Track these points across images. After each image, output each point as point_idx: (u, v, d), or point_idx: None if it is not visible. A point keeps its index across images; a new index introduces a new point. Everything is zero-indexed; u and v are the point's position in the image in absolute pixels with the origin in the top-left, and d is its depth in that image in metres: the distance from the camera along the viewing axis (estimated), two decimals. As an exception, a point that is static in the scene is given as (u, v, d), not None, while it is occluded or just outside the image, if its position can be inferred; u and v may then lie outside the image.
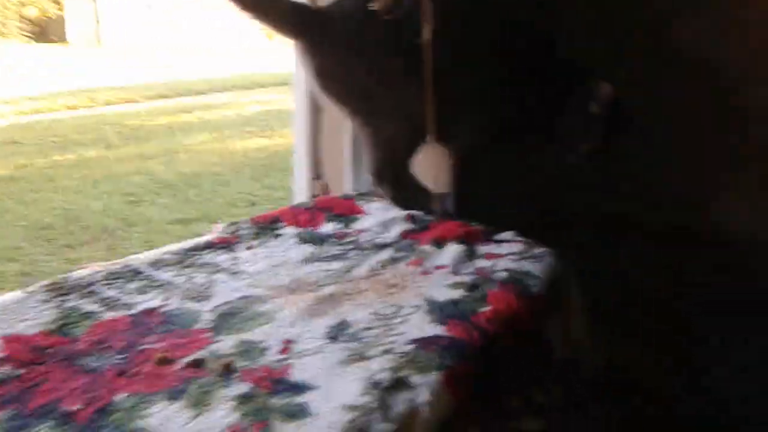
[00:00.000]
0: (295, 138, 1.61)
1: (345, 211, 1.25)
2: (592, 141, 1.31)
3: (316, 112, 1.53)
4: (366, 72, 1.24)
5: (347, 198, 1.33)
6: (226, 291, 0.95)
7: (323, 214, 1.22)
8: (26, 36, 9.91)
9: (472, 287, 0.99)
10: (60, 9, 9.77)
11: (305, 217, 1.20)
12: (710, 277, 1.53)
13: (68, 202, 4.71)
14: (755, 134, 1.35)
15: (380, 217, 1.24)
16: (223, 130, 6.11)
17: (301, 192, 1.64)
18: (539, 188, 1.46)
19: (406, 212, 1.26)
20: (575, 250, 1.15)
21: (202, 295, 0.94)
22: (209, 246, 1.07)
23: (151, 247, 3.82)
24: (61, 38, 10.16)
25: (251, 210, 4.66)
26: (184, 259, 1.03)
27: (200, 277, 0.98)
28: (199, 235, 1.16)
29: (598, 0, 1.35)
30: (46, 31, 10.21)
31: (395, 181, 1.32)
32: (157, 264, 1.00)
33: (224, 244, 1.08)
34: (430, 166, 1.28)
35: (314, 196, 1.44)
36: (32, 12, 9.98)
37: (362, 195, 1.41)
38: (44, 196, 4.64)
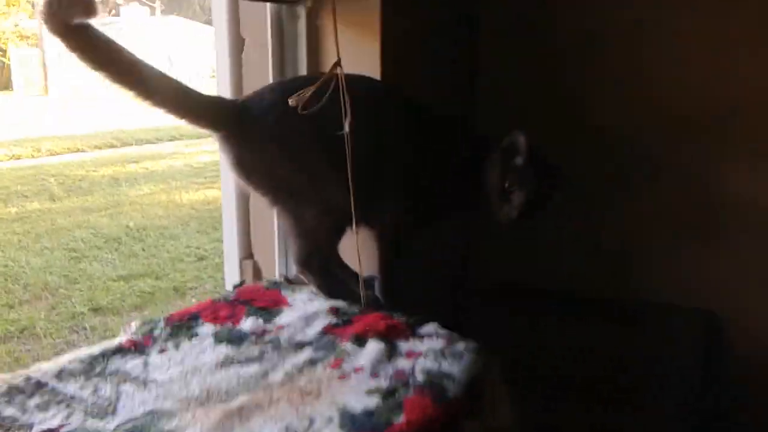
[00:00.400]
0: (224, 219, 1.59)
1: (268, 303, 1.23)
2: (527, 191, 1.31)
3: (243, 194, 1.52)
4: (286, 164, 1.24)
5: (271, 288, 1.31)
6: (132, 405, 0.92)
7: (244, 308, 1.20)
8: (-31, 84, 9.72)
9: (388, 393, 0.97)
10: (4, 56, 9.61)
11: (225, 312, 1.18)
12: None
13: (8, 258, 4.57)
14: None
15: (303, 310, 1.22)
16: (170, 181, 6.04)
17: (232, 273, 1.61)
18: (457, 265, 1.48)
19: (330, 304, 1.24)
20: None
21: (106, 411, 0.90)
22: (119, 350, 1.04)
23: (94, 306, 3.70)
24: (6, 86, 9.97)
25: (199, 265, 4.59)
26: (92, 367, 0.99)
27: (107, 389, 0.94)
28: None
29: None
30: (-10, 78, 10.02)
31: (321, 270, 1.31)
32: (61, 374, 0.96)
33: (135, 348, 1.05)
34: (356, 252, 1.27)
35: (240, 284, 1.41)
36: (-25, 59, 9.82)
37: (288, 282, 1.40)
38: (-17, 252, 4.50)
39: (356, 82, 1.26)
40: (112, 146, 7.01)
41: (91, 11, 0.99)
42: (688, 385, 1.79)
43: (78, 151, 6.74)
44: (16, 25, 8.40)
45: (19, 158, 6.44)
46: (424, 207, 1.39)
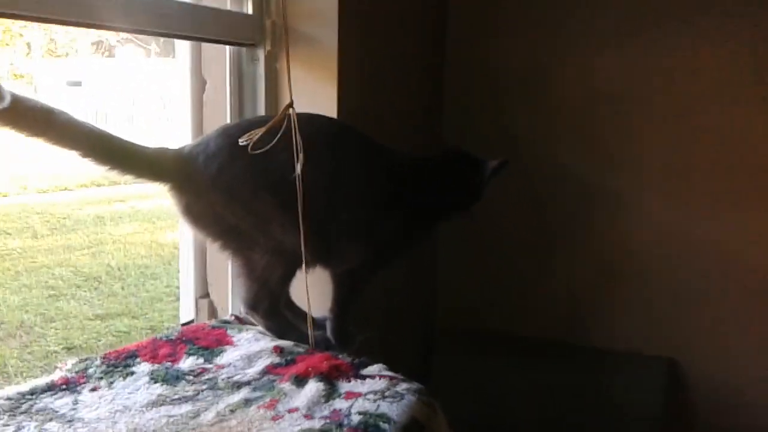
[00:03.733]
0: (180, 257, 1.59)
1: (211, 342, 1.22)
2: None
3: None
4: (234, 210, 1.23)
5: (218, 327, 1.29)
6: (54, 444, 0.90)
7: (185, 347, 1.19)
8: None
9: (319, 435, 0.96)
10: (-1, 94, 9.70)
11: (165, 350, 1.16)
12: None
13: (-15, 296, 4.52)
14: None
15: (247, 349, 1.21)
16: (155, 220, 6.02)
17: (188, 311, 1.60)
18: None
19: (276, 344, 1.23)
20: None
21: (25, 450, 0.88)
22: (50, 388, 1.02)
23: (68, 345, 3.65)
24: None
25: (177, 304, 4.55)
26: (18, 404, 0.97)
27: (30, 428, 0.92)
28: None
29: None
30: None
31: (269, 312, 1.30)
32: (-15, 412, 0.94)
33: (67, 386, 1.03)
34: (306, 293, 1.27)
35: (188, 322, 1.40)
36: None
37: (239, 321, 1.39)
38: (-40, 289, 4.46)
39: (309, 121, 1.27)
40: (99, 185, 7.00)
41: None
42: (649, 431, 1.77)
43: (65, 189, 6.72)
44: (11, 64, 8.48)
45: (5, 196, 6.42)
46: (382, 247, 1.39)
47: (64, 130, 1.11)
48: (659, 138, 1.88)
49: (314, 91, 1.49)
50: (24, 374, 3.46)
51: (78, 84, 9.88)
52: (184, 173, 1.22)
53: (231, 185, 1.21)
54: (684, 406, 1.90)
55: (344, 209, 1.29)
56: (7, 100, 0.99)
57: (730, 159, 1.82)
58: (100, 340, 3.85)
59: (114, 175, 1.18)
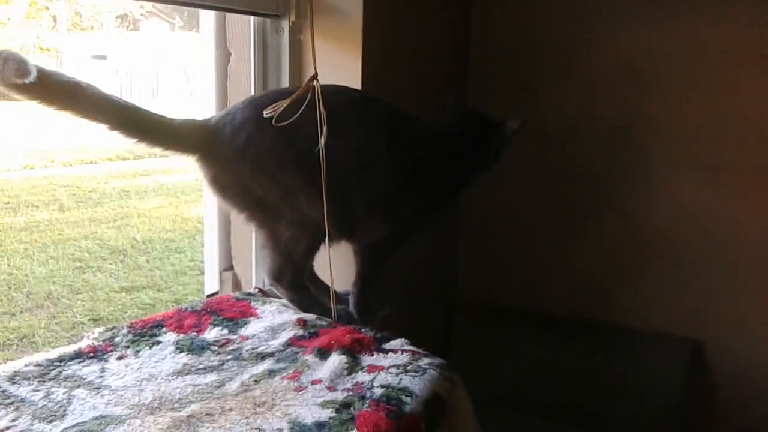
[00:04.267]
0: (205, 230, 1.60)
1: (236, 314, 1.23)
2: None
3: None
4: (260, 181, 1.23)
5: (242, 299, 1.30)
6: (82, 410, 0.91)
7: (210, 318, 1.19)
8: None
9: (342, 407, 0.96)
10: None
11: (190, 321, 1.17)
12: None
13: (13, 266, 4.61)
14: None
15: (271, 321, 1.21)
16: (179, 195, 6.08)
17: (212, 284, 1.61)
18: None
19: (299, 316, 1.24)
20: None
21: (55, 415, 0.90)
22: (78, 356, 1.03)
23: (94, 316, 3.72)
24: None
25: (201, 278, 4.59)
26: (47, 371, 0.99)
27: (59, 393, 0.94)
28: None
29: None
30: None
31: (293, 284, 1.31)
32: (15, 377, 0.96)
33: (94, 354, 1.05)
34: (329, 267, 1.27)
35: (213, 294, 1.41)
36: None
37: (263, 294, 1.39)
38: (-12, 259, 4.55)
39: (335, 93, 1.26)
40: (124, 159, 7.07)
41: (23, 74, 0.99)
42: (671, 414, 1.75)
43: (90, 162, 6.80)
44: (38, 38, 8.54)
45: (32, 168, 6.51)
46: (406, 220, 1.38)
47: (91, 103, 1.11)
48: (689, 113, 1.83)
49: (339, 63, 1.48)
50: (51, 344, 3.54)
51: (103, 57, 9.95)
52: (211, 144, 1.22)
53: (258, 157, 1.20)
54: (707, 388, 1.88)
55: (370, 182, 1.28)
56: (34, 74, 0.99)
57: (762, 136, 1.77)
58: (125, 312, 3.91)
59: (142, 147, 1.18)
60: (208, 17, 1.52)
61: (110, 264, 4.70)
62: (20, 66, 0.99)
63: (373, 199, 1.30)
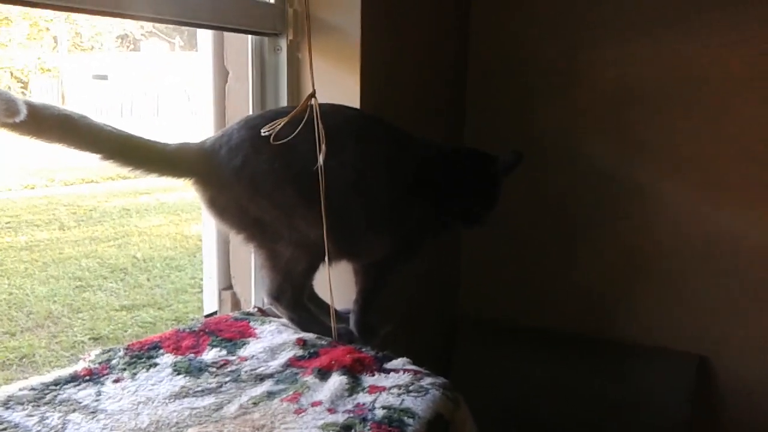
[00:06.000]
0: (204, 249, 1.58)
1: (234, 334, 1.21)
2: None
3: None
4: (258, 202, 1.22)
5: (241, 319, 1.29)
6: (77, 435, 0.90)
7: (209, 339, 1.18)
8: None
9: (343, 429, 0.94)
10: (26, 89, 9.85)
11: (188, 342, 1.16)
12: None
13: (14, 286, 4.59)
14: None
15: (270, 341, 1.20)
16: (180, 213, 6.07)
17: (211, 303, 1.60)
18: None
19: (299, 336, 1.22)
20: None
21: (49, 441, 0.88)
22: (73, 379, 1.02)
23: (95, 335, 3.70)
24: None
25: (201, 296, 4.58)
26: (42, 395, 0.97)
27: (54, 418, 0.92)
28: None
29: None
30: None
31: (292, 304, 1.29)
32: (9, 402, 0.94)
33: (90, 377, 1.03)
34: (329, 285, 1.25)
35: (211, 314, 1.40)
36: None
37: (261, 313, 1.38)
38: (-12, 279, 4.54)
39: (333, 112, 1.25)
40: (125, 177, 7.08)
41: (13, 113, 0.96)
42: (676, 431, 1.73)
43: (91, 181, 6.81)
44: (39, 58, 8.60)
45: (33, 188, 6.51)
46: (407, 240, 1.37)
47: (84, 134, 1.10)
48: (688, 130, 1.82)
49: (337, 81, 1.48)
50: (51, 363, 3.51)
51: (104, 77, 10.00)
52: (207, 167, 1.20)
53: (254, 178, 1.19)
54: (712, 405, 1.85)
55: (369, 201, 1.27)
56: (24, 113, 0.98)
57: (762, 152, 1.76)
58: (126, 331, 3.89)
59: (137, 175, 1.17)
60: (206, 36, 1.52)
61: (111, 282, 4.68)
62: (9, 105, 0.97)
63: (372, 218, 1.29)
